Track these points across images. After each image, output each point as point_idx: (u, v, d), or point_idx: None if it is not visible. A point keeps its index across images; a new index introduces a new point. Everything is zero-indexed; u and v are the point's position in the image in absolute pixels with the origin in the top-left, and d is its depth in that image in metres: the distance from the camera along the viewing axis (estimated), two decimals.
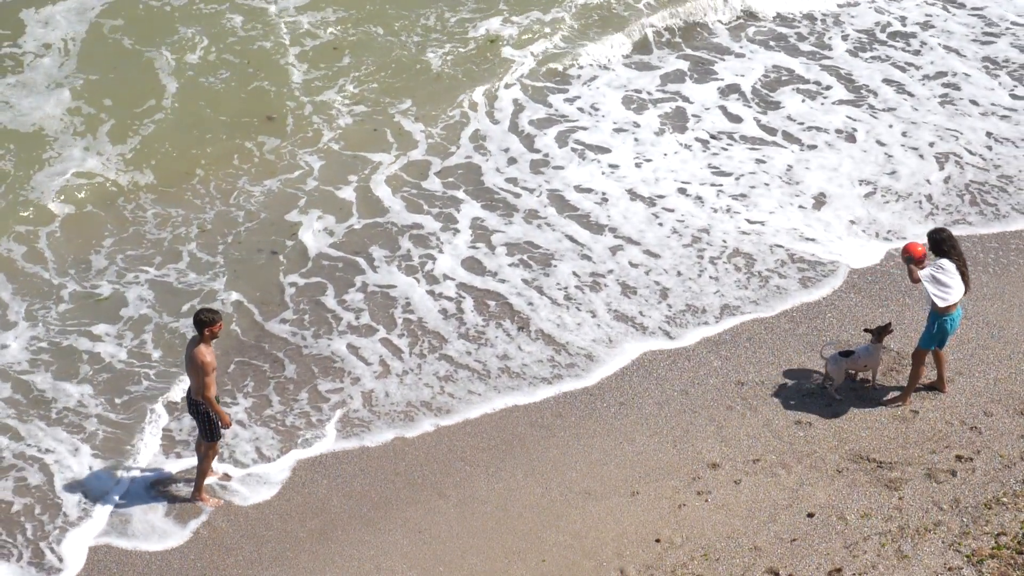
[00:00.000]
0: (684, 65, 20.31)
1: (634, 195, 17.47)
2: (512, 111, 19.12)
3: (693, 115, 19.17)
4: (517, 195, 17.48)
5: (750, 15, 21.41)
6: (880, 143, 18.44)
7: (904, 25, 21.33)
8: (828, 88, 19.71)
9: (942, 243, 13.40)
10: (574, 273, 16.10)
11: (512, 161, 18.12)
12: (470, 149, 18.36)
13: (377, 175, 17.77)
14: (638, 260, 16.31)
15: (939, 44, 20.84)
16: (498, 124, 18.83)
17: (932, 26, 21.41)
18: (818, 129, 18.77)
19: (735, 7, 21.44)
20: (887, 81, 19.87)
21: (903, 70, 20.18)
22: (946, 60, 20.39)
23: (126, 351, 14.93)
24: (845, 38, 21.01)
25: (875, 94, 19.55)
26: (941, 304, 13.27)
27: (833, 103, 19.36)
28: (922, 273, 13.24)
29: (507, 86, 19.58)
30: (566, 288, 15.85)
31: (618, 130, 18.82)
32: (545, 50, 20.36)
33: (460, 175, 17.88)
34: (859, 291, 15.56)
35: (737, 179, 17.77)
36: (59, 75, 19.37)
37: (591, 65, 20.18)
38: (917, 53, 20.65)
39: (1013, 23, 21.37)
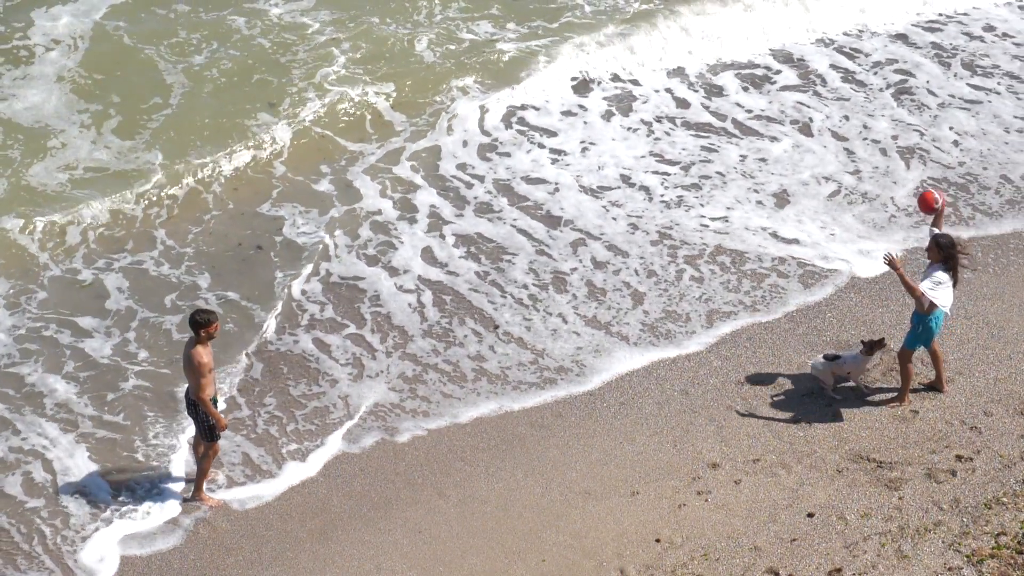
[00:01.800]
0: (633, 46, 20.41)
1: (584, 188, 17.47)
2: (484, 105, 19.18)
3: (640, 96, 19.36)
4: (469, 185, 17.50)
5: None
6: (839, 136, 18.47)
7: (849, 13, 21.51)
8: (778, 73, 19.80)
9: (945, 249, 13.43)
10: (532, 270, 16.06)
11: (472, 148, 18.23)
12: (442, 135, 18.47)
13: (357, 163, 17.88)
14: (603, 257, 16.24)
15: (884, 31, 20.94)
16: (472, 124, 18.88)
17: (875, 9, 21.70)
18: (770, 119, 18.83)
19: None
20: (834, 67, 19.98)
21: (851, 57, 20.22)
22: (891, 48, 20.54)
23: (111, 347, 14.88)
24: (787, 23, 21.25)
25: (824, 81, 19.61)
26: (940, 304, 13.32)
27: (780, 89, 19.47)
28: (924, 288, 13.26)
29: (487, 81, 19.66)
30: (526, 286, 15.81)
31: (566, 113, 19.01)
32: (533, 45, 20.38)
33: (424, 159, 18.00)
34: (859, 291, 15.54)
35: (685, 169, 17.87)
36: (63, 68, 19.35)
37: (563, 58, 20.27)
38: (859, 37, 20.72)
39: (957, 11, 21.50)
